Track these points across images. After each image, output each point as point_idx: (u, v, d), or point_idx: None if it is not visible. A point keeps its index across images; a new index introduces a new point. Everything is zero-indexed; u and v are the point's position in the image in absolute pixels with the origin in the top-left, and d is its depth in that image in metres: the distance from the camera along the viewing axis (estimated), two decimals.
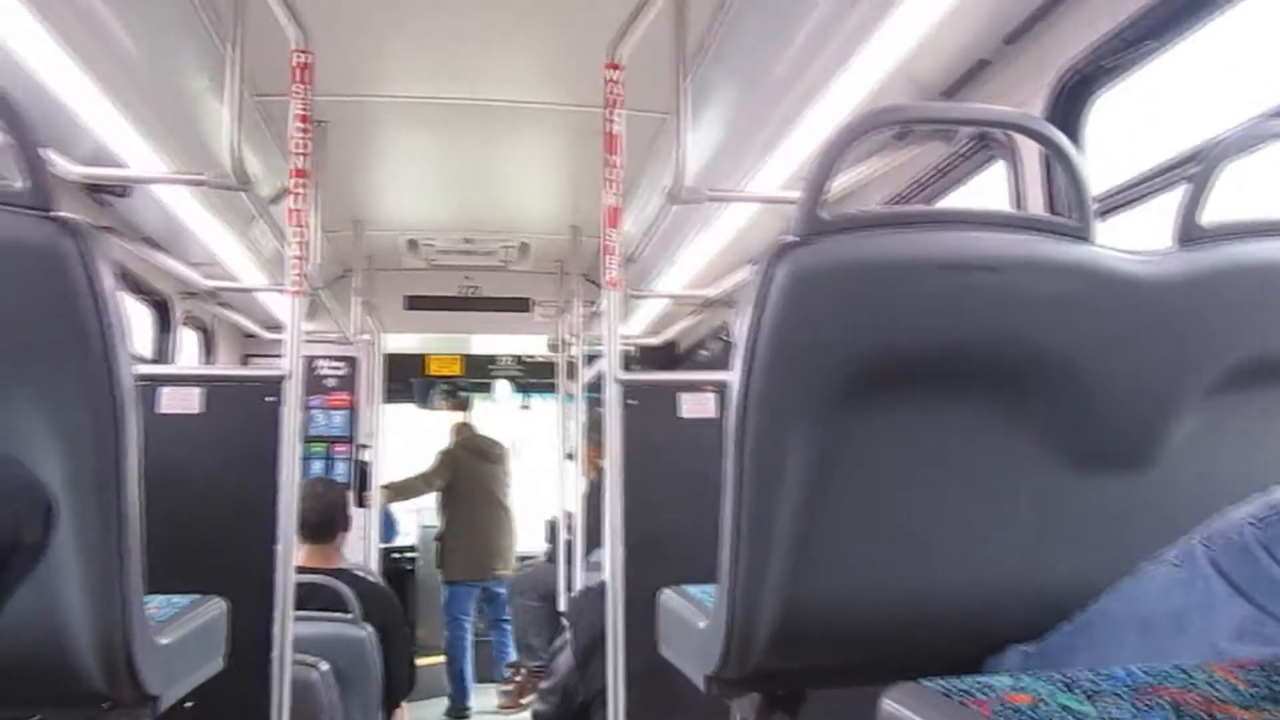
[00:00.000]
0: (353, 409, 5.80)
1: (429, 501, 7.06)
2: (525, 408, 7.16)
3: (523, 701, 5.03)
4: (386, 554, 6.06)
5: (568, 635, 2.50)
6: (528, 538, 6.64)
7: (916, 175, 2.78)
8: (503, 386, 6.93)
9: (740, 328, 1.31)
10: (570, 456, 5.29)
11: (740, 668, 1.41)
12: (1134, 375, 1.33)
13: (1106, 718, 0.78)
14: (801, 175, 2.96)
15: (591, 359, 5.32)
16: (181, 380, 2.21)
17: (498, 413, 7.34)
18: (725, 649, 1.39)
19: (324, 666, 2.48)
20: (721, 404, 2.35)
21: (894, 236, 1.30)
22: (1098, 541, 1.37)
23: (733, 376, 1.35)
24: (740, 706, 1.55)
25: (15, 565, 0.92)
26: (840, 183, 2.53)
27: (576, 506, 4.84)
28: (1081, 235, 1.33)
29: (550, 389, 6.51)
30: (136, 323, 4.42)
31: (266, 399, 2.18)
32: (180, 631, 1.48)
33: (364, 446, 5.74)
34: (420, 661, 5.09)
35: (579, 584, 4.59)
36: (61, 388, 1.18)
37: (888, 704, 0.87)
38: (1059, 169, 1.35)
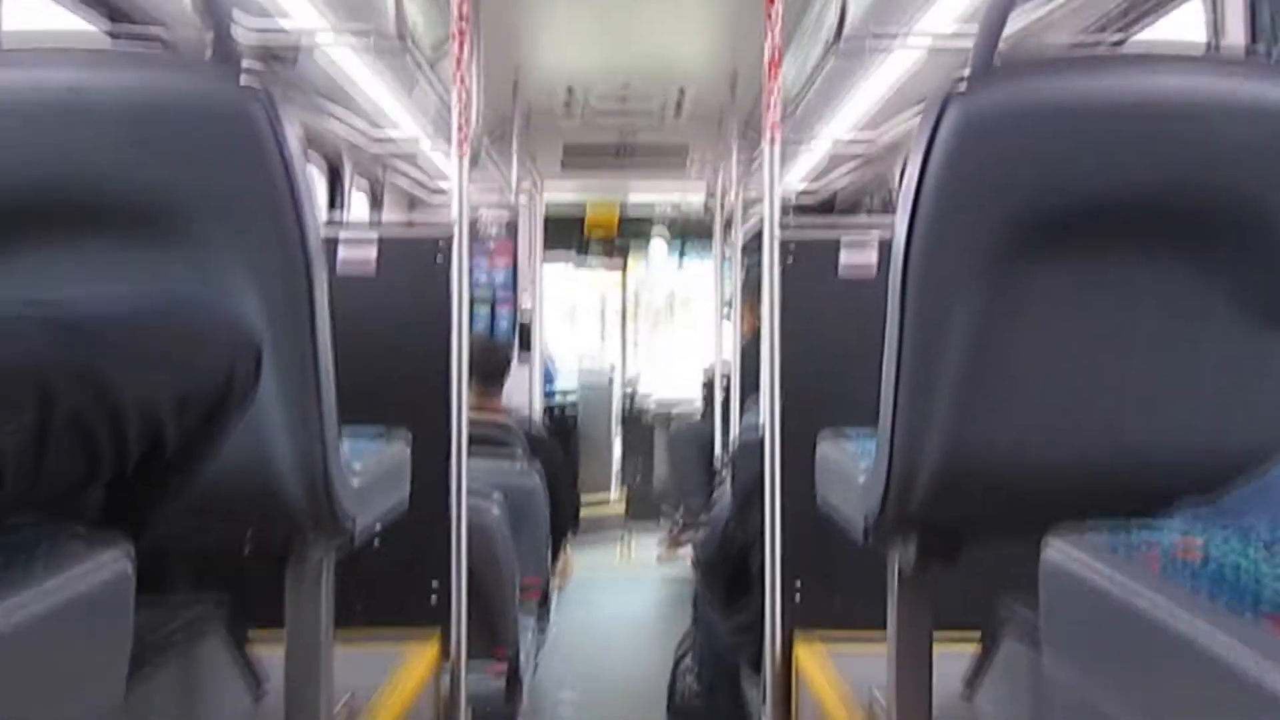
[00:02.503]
0: (514, 266, 5.95)
1: (590, 347, 7.26)
2: (680, 268, 7.18)
3: (680, 546, 5.23)
4: (550, 405, 6.29)
5: (727, 482, 2.57)
6: (689, 391, 6.81)
7: (1105, 12, 2.58)
8: (659, 246, 6.95)
9: (906, 177, 1.28)
10: (727, 314, 5.29)
11: (898, 517, 1.43)
12: None
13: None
14: (975, 16, 2.81)
15: (748, 207, 5.26)
16: (357, 236, 2.31)
17: (655, 271, 7.42)
18: (883, 498, 1.42)
19: (498, 500, 2.64)
20: (882, 258, 2.32)
21: (1078, 79, 1.24)
22: None
23: (896, 229, 1.33)
24: (896, 553, 1.58)
25: (231, 405, 1.01)
26: (1017, 25, 2.38)
27: (733, 363, 4.88)
28: None
29: (706, 249, 6.50)
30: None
31: (437, 255, 2.27)
32: (371, 465, 1.61)
33: (526, 311, 5.89)
34: (584, 507, 5.38)
35: (735, 439, 4.68)
36: (256, 242, 1.26)
37: (1051, 551, 0.88)
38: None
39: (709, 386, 5.58)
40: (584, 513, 5.37)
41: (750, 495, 2.41)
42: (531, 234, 5.84)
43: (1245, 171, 1.22)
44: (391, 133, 4.42)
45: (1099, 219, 1.25)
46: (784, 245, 2.32)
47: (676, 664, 3.42)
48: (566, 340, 7.40)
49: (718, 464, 4.94)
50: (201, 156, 1.22)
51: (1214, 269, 1.28)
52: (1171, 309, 1.31)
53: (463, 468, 2.20)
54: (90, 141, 1.19)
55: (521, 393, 5.31)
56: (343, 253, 2.28)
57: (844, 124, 4.45)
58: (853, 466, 1.60)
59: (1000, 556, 1.74)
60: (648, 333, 8.02)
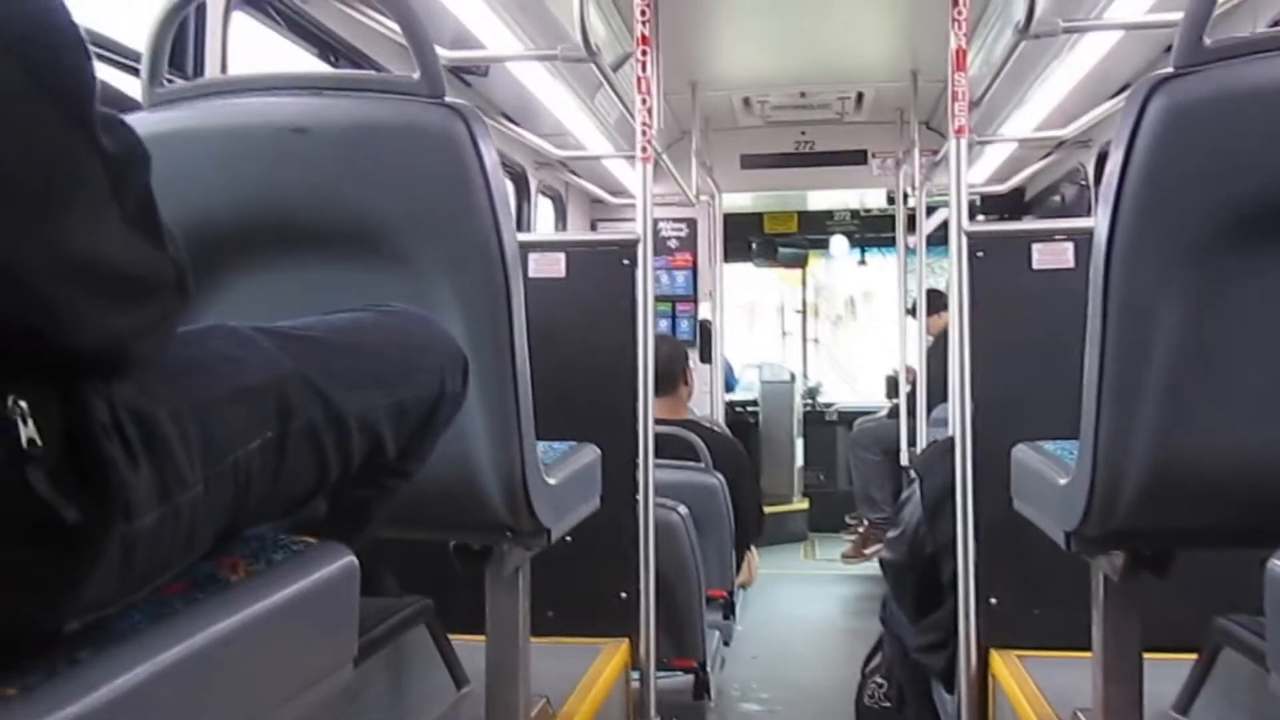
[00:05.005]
0: (694, 268, 6.00)
1: (769, 355, 7.25)
2: (862, 264, 7.06)
3: (866, 552, 5.14)
4: (730, 406, 6.30)
5: (916, 487, 2.52)
6: (871, 392, 6.70)
7: None
8: (839, 242, 6.87)
9: (1108, 169, 1.23)
10: (911, 312, 5.18)
11: (1103, 525, 1.37)
12: None
13: None
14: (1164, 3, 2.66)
15: (932, 210, 5.13)
16: (546, 246, 2.39)
17: (835, 270, 7.32)
18: (1087, 505, 1.36)
19: (683, 509, 2.67)
20: (1079, 254, 2.22)
21: None
22: None
23: (1097, 222, 1.28)
24: (1101, 565, 1.51)
25: (442, 414, 1.07)
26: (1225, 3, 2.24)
27: (918, 362, 4.77)
28: None
29: (889, 243, 6.37)
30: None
31: (623, 262, 2.32)
32: (564, 473, 1.66)
33: (705, 322, 5.92)
34: (766, 510, 5.36)
35: (921, 439, 4.57)
36: (460, 256, 1.33)
37: (1277, 564, 0.83)
38: None
39: (893, 383, 5.47)
40: (767, 510, 5.37)
41: (940, 501, 2.36)
42: (711, 239, 5.88)
43: None
44: (574, 143, 4.55)
45: None
46: (973, 241, 2.26)
47: (864, 671, 3.37)
48: (745, 345, 7.41)
49: (904, 463, 4.85)
50: (411, 179, 1.30)
51: None
52: None
53: (649, 476, 2.24)
54: (311, 169, 1.29)
55: (703, 401, 5.35)
56: (533, 263, 2.36)
57: (1031, 117, 4.29)
58: (1053, 473, 1.54)
59: (1217, 570, 1.65)
60: (829, 332, 7.93)
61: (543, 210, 5.30)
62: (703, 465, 3.28)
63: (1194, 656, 1.63)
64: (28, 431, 0.59)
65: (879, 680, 3.24)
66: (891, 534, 2.60)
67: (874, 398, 6.50)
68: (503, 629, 1.69)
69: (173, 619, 0.74)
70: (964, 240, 2.23)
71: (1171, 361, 1.25)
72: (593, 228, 5.90)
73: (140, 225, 0.66)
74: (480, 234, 1.31)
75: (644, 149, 2.34)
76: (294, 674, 0.85)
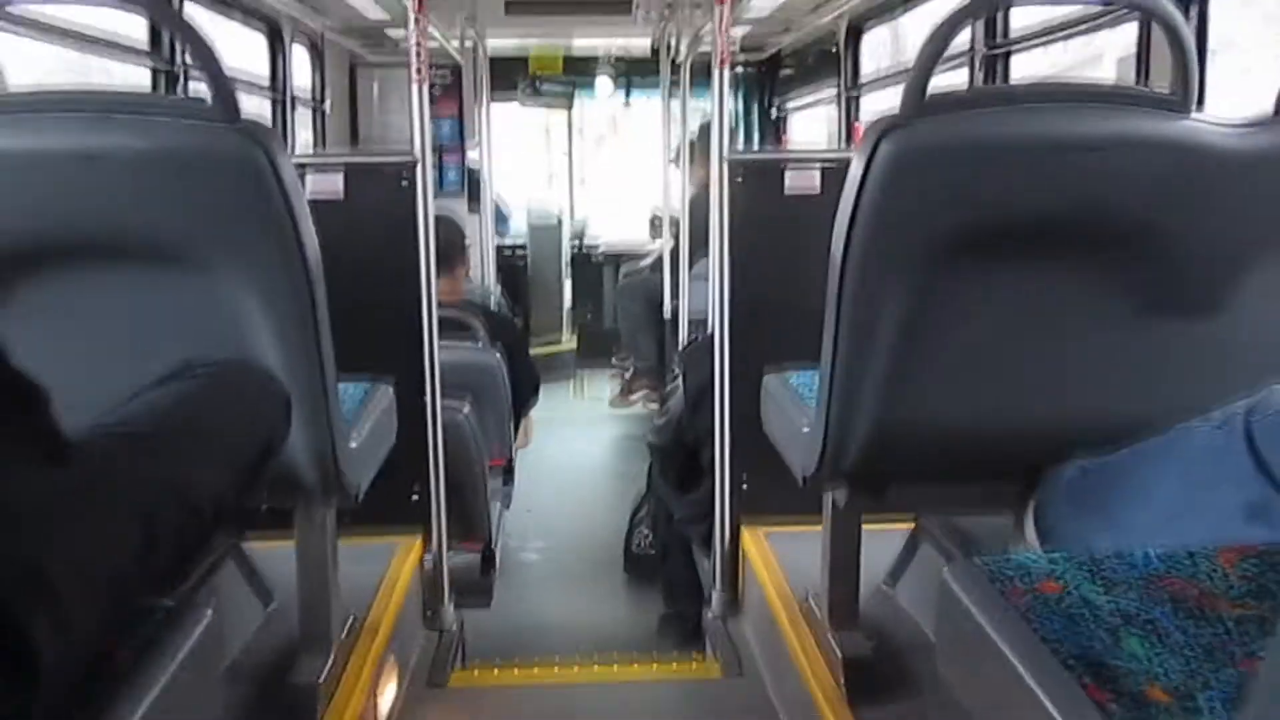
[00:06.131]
0: (460, 118, 5.91)
1: (536, 198, 7.30)
2: (627, 105, 7.15)
3: (631, 398, 5.48)
4: (499, 250, 6.39)
5: (680, 381, 2.79)
6: (634, 230, 6.93)
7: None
8: (604, 84, 6.90)
9: (842, 200, 1.45)
10: (675, 161, 5.33)
11: (833, 470, 1.67)
12: (1213, 235, 1.44)
13: (1116, 610, 1.01)
14: None
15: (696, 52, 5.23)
16: (325, 168, 2.39)
17: (599, 110, 7.38)
18: (820, 458, 1.65)
19: (466, 409, 2.84)
20: (825, 180, 2.46)
21: (996, 115, 1.39)
22: (1163, 381, 1.54)
23: (835, 234, 1.50)
24: (831, 494, 1.83)
25: (271, 456, 1.18)
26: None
27: (682, 214, 4.93)
28: (1182, 109, 1.39)
29: (654, 87, 6.46)
30: (247, 44, 4.55)
31: (402, 183, 2.37)
32: (365, 428, 1.79)
33: (474, 162, 5.86)
34: (536, 350, 5.58)
35: (684, 293, 4.83)
36: (265, 268, 1.40)
37: (946, 576, 1.11)
38: (1167, 42, 1.38)
39: (656, 224, 5.67)
40: (537, 352, 5.59)
41: (702, 395, 2.63)
42: (477, 84, 5.79)
43: (1140, 196, 1.40)
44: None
45: (1011, 236, 1.44)
46: (733, 167, 2.45)
47: (632, 520, 3.74)
48: (513, 182, 7.42)
49: (666, 314, 5.14)
50: (212, 202, 1.34)
51: (1106, 270, 1.48)
52: (1069, 302, 1.52)
53: (437, 398, 2.39)
54: (104, 193, 1.30)
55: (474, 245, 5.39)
56: (311, 182, 2.36)
57: None
58: (795, 416, 1.82)
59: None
60: (592, 154, 7.99)
61: (299, 59, 5.06)
62: (480, 345, 3.43)
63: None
64: None
65: (645, 531, 3.63)
66: (658, 421, 2.88)
67: (639, 236, 6.73)
68: (311, 567, 1.84)
69: None
70: (725, 167, 2.43)
71: (889, 345, 1.53)
72: (351, 77, 5.68)
73: None
74: (284, 250, 1.38)
75: (418, 70, 2.35)
76: None
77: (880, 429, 1.59)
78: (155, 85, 3.17)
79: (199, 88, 3.38)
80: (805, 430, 1.74)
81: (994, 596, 1.04)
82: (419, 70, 2.35)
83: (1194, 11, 1.86)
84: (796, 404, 1.87)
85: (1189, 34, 1.40)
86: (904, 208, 1.42)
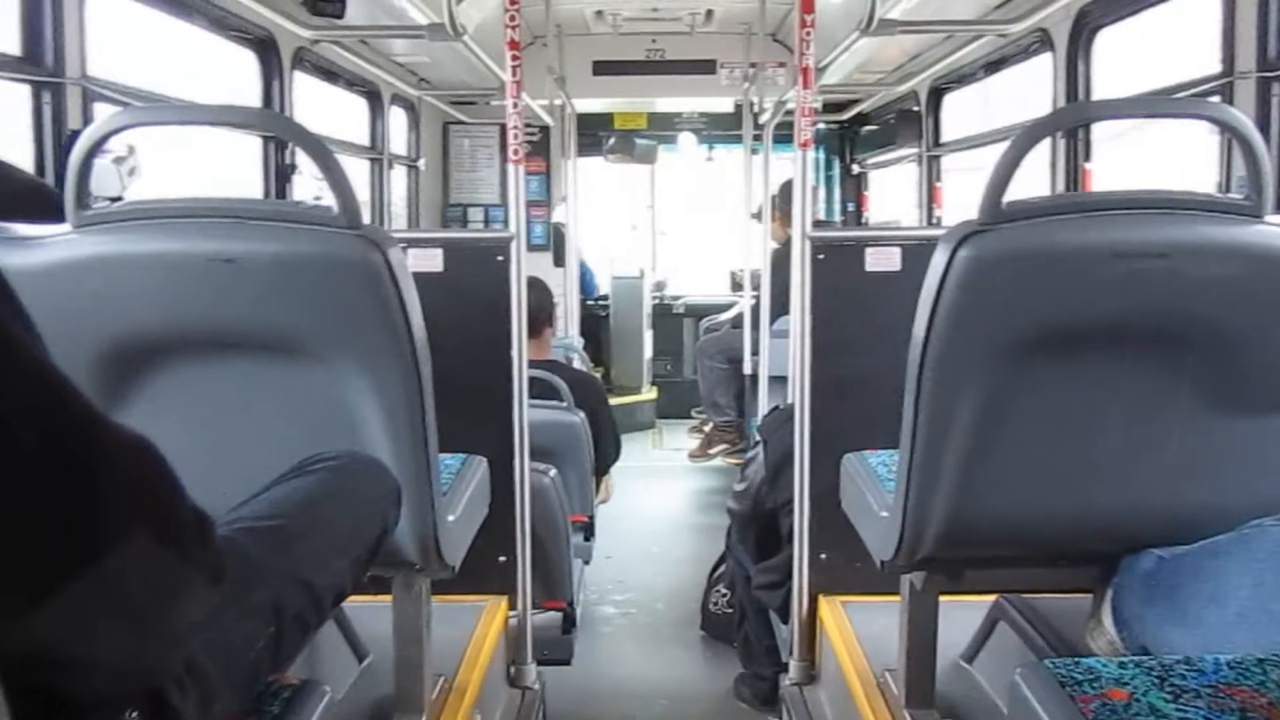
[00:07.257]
0: (547, 174, 6.09)
1: (620, 253, 7.45)
2: (709, 159, 7.28)
3: (710, 452, 5.54)
4: (582, 302, 6.54)
5: (760, 449, 2.85)
6: (715, 283, 7.03)
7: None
8: (687, 138, 7.05)
9: (922, 297, 1.51)
10: (756, 217, 5.40)
11: (909, 558, 1.72)
12: None
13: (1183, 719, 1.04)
14: None
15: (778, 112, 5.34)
16: (425, 243, 2.53)
17: (682, 164, 7.51)
18: (898, 545, 1.70)
19: (553, 473, 2.94)
20: (905, 258, 2.52)
21: (1069, 223, 1.45)
22: (1234, 475, 1.57)
23: (915, 329, 1.56)
24: (909, 579, 1.87)
25: (383, 546, 1.28)
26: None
27: (763, 265, 4.98)
28: (1254, 214, 1.43)
29: (735, 140, 6.59)
30: (354, 110, 4.79)
31: (497, 258, 2.49)
32: (460, 503, 1.89)
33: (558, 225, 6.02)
34: (617, 401, 5.67)
35: (764, 350, 4.88)
36: (378, 358, 1.51)
37: (1018, 678, 1.15)
38: (1241, 151, 1.43)
39: (738, 288, 5.75)
40: (617, 401, 5.68)
41: (781, 464, 2.69)
42: (564, 143, 5.98)
43: (1212, 300, 1.44)
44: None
45: (1086, 337, 1.49)
46: (815, 245, 2.52)
47: (710, 578, 3.78)
48: (597, 235, 7.59)
49: (746, 369, 5.21)
50: (334, 301, 1.46)
51: (1179, 369, 1.52)
52: (1143, 400, 1.56)
53: (526, 467, 2.48)
54: (239, 293, 1.43)
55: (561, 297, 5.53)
56: (412, 257, 2.49)
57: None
58: (875, 501, 1.88)
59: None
60: (674, 211, 8.13)
61: (396, 120, 5.30)
62: (565, 405, 3.54)
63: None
64: None
65: (723, 590, 3.67)
66: (738, 487, 2.94)
67: (719, 290, 6.83)
68: (406, 632, 1.93)
69: None
70: (807, 245, 2.50)
71: (966, 442, 1.58)
72: (444, 134, 5.91)
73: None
74: (396, 341, 1.49)
75: (515, 151, 2.48)
76: None
77: (957, 517, 1.64)
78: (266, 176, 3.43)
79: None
80: (884, 515, 1.79)
81: (1064, 702, 1.09)
82: (515, 151, 2.48)
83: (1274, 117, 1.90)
84: (874, 487, 1.92)
85: (1261, 142, 1.44)
86: (982, 308, 1.48)
